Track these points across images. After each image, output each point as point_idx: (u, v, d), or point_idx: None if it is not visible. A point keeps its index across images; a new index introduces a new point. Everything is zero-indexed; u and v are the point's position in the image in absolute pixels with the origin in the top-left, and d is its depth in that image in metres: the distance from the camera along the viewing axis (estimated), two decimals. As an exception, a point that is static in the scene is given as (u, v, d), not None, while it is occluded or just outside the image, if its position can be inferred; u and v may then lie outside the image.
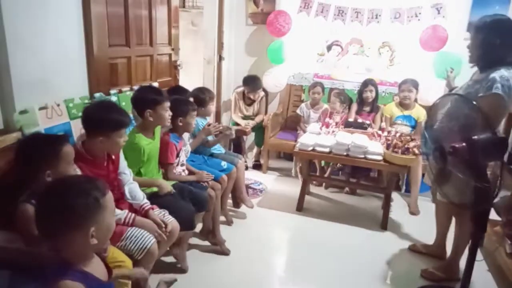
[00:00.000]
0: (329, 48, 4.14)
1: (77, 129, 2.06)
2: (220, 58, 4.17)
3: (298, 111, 4.02)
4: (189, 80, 4.16)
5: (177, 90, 2.80)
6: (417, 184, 3.26)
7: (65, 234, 1.03)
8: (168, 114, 2.18)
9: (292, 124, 4.17)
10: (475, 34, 2.05)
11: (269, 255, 2.61)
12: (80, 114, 2.06)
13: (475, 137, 1.71)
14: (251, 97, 4.03)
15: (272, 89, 4.22)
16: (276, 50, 4.11)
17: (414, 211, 3.25)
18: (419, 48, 3.68)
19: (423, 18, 3.65)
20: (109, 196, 1.10)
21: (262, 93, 4.10)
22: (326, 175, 3.68)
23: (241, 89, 4.10)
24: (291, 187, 3.57)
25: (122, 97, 2.47)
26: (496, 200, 2.45)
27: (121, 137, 1.76)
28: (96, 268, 1.13)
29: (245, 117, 4.07)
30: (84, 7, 2.21)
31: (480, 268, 2.35)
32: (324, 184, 3.72)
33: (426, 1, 3.63)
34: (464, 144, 1.73)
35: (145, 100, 2.13)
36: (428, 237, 2.72)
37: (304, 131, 3.49)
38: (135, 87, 2.65)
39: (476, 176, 1.79)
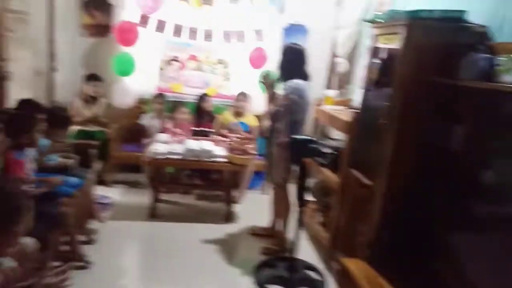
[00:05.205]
0: (168, 63, 4.38)
1: None
2: (53, 69, 3.90)
3: (141, 122, 4.11)
4: (13, 93, 3.73)
5: (28, 105, 2.61)
6: (247, 179, 3.78)
7: None
8: None
9: (135, 135, 4.19)
10: (281, 55, 2.87)
11: (130, 264, 2.70)
12: None
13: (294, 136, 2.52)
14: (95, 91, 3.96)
15: (120, 104, 4.18)
16: (123, 62, 4.08)
17: (237, 200, 3.67)
18: (249, 66, 4.30)
19: (248, 40, 4.29)
20: None
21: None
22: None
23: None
24: (140, 197, 3.64)
25: None
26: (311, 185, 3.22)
27: None
28: None
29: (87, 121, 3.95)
30: None
31: (301, 238, 3.00)
32: (173, 190, 3.92)
33: (248, 27, 4.27)
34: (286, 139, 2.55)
35: None
36: (266, 222, 3.28)
37: (152, 142, 3.61)
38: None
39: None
